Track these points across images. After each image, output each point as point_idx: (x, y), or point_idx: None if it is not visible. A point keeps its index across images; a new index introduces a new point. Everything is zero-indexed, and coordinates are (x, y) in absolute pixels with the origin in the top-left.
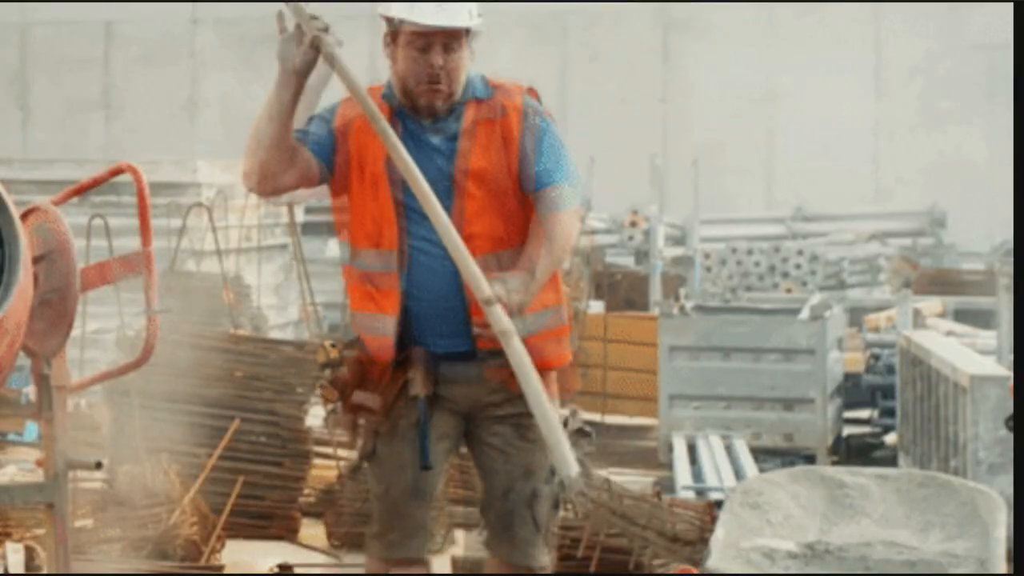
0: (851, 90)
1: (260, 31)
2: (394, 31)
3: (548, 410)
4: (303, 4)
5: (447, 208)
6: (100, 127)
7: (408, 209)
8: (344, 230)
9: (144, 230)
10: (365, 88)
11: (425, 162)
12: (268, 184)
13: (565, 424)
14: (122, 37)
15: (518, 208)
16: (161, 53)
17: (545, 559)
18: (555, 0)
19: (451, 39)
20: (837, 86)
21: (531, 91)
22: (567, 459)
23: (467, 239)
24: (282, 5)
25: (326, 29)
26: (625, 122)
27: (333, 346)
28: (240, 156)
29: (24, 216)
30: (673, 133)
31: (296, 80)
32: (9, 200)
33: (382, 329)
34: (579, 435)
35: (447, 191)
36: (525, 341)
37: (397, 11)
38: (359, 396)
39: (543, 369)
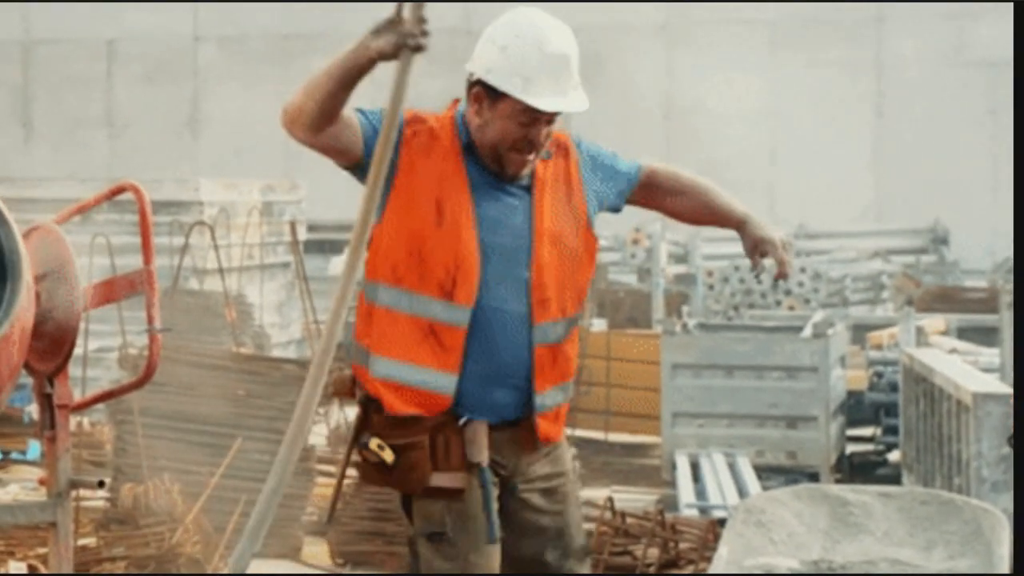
0: (853, 107)
1: (263, 49)
2: (495, 96)
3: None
4: (424, 10)
5: (527, 266)
6: (102, 145)
7: (485, 262)
8: (378, 265)
9: (146, 248)
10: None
11: (510, 211)
12: (297, 131)
13: None
14: (124, 55)
15: (584, 273)
16: (163, 71)
17: None
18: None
19: (553, 118)
20: (839, 103)
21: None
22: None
23: (540, 303)
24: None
25: (419, 48)
26: (627, 139)
27: (381, 448)
28: (241, 176)
29: (27, 235)
30: (676, 150)
31: (369, 60)
32: (11, 218)
33: (440, 387)
34: None
35: (527, 247)
36: (560, 412)
37: (514, 89)
38: (439, 478)
39: (556, 438)
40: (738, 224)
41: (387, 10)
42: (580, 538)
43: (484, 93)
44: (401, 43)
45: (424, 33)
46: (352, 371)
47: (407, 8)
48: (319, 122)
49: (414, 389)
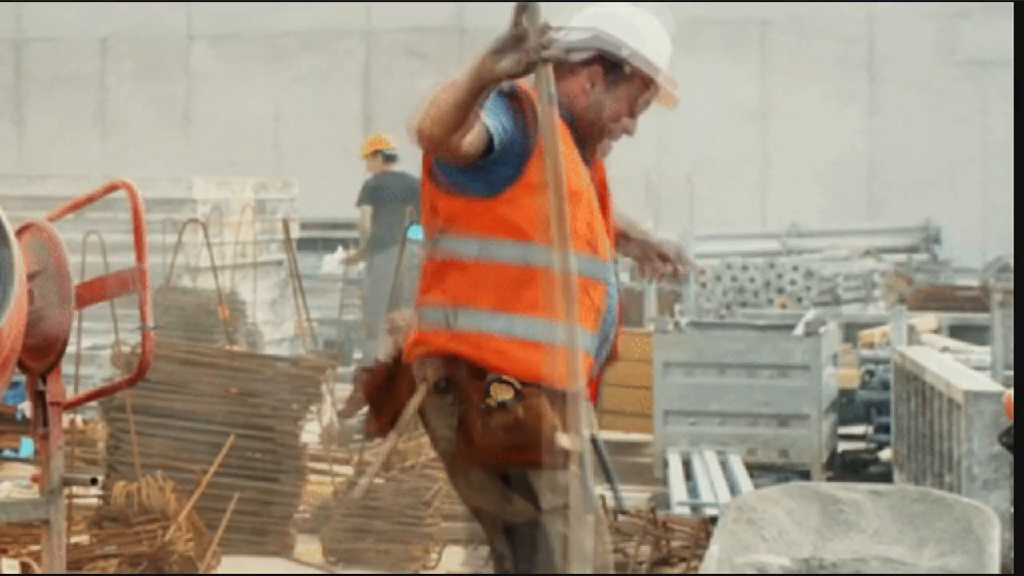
0: (845, 106)
1: (255, 47)
2: (617, 77)
3: None
4: (541, 15)
5: (604, 212)
6: (95, 143)
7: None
8: (507, 220)
9: (139, 246)
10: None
11: (582, 163)
12: (442, 154)
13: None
14: (117, 53)
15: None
16: (156, 69)
17: None
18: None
19: (644, 108)
20: (831, 102)
21: None
22: None
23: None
24: (528, 3)
25: (549, 60)
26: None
27: (504, 384)
28: (234, 174)
29: (19, 232)
30: (668, 149)
31: (493, 83)
32: (4, 216)
33: (585, 345)
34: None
35: (599, 194)
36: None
37: (656, 75)
38: (564, 439)
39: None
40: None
41: (383, 9)
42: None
43: (603, 72)
44: (531, 60)
45: (551, 42)
46: (429, 337)
47: (527, 18)
48: (462, 129)
49: (559, 349)
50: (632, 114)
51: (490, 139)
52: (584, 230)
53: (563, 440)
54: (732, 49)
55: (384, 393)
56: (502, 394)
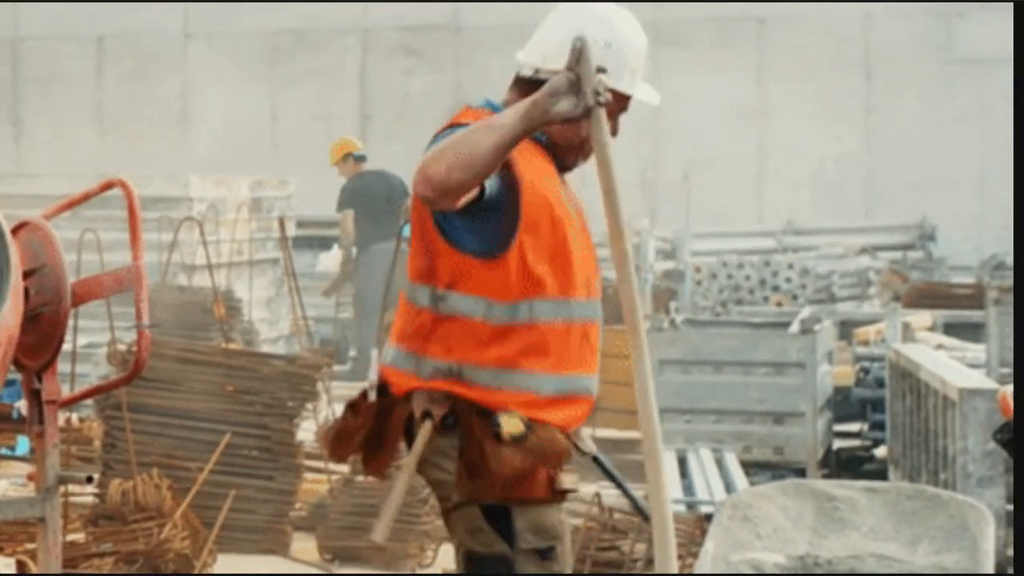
0: (841, 104)
1: (252, 46)
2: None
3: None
4: (594, 61)
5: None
6: (92, 141)
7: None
8: (500, 282)
9: (135, 244)
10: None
11: (568, 198)
12: (446, 202)
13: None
14: (114, 52)
15: None
16: (153, 68)
17: None
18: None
19: (626, 110)
20: (827, 100)
21: None
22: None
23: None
24: (582, 43)
25: (605, 104)
26: (616, 136)
27: (519, 422)
28: (230, 172)
29: (15, 230)
30: (664, 147)
31: (544, 127)
32: (0, 214)
33: (591, 390)
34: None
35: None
36: None
37: (626, 87)
38: (563, 479)
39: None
40: None
41: (379, 7)
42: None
43: None
44: (591, 104)
45: (605, 87)
46: (442, 385)
47: (582, 62)
48: (471, 188)
49: (574, 396)
50: (612, 120)
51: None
52: (580, 273)
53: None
54: (728, 47)
55: (374, 432)
56: (511, 427)
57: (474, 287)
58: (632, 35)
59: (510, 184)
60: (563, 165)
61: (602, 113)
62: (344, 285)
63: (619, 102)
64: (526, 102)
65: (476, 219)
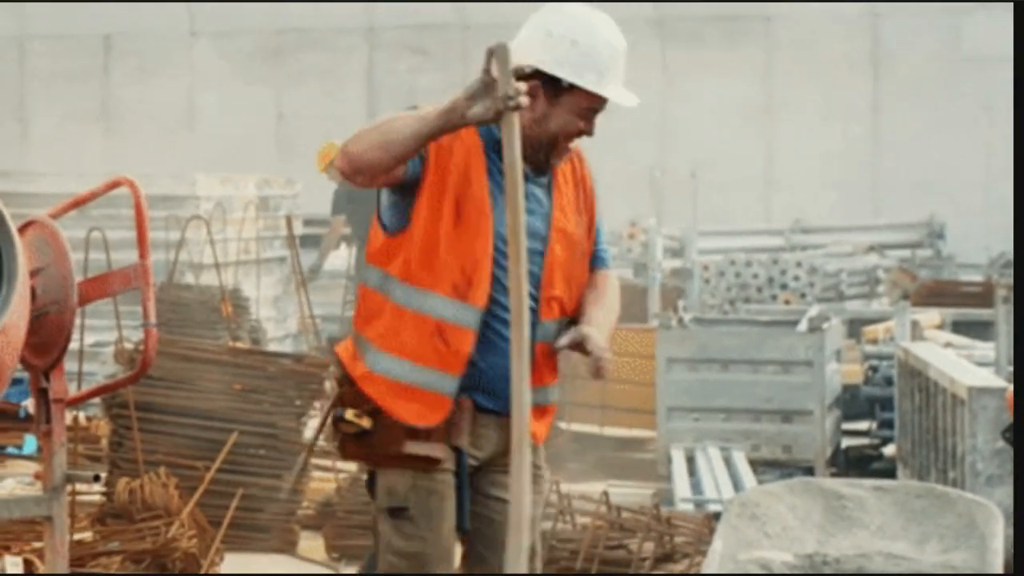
0: (848, 102)
1: (257, 44)
2: (557, 90)
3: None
4: (511, 60)
5: (540, 264)
6: (98, 140)
7: (498, 263)
8: (392, 258)
9: (141, 243)
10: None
11: (530, 209)
12: (361, 179)
13: None
14: (120, 50)
15: (586, 275)
16: (159, 66)
17: None
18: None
19: (601, 109)
20: (834, 98)
21: None
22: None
23: (547, 301)
24: (497, 47)
25: (518, 107)
26: (623, 135)
27: (357, 416)
28: (237, 171)
29: (22, 229)
30: (671, 145)
31: (462, 126)
32: (7, 213)
33: (441, 388)
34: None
35: (542, 245)
36: (548, 410)
37: (588, 83)
38: (415, 447)
39: (543, 436)
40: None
41: (386, 6)
42: (532, 536)
43: (543, 87)
44: (501, 108)
45: (519, 92)
46: (339, 351)
47: (496, 64)
48: (389, 170)
49: (415, 390)
50: (584, 118)
51: (405, 166)
52: (455, 274)
53: (414, 447)
54: (735, 46)
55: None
56: (349, 427)
57: (376, 258)
58: (604, 36)
59: (424, 169)
60: (537, 162)
61: (514, 118)
62: (316, 278)
63: (590, 101)
64: (448, 101)
65: (402, 197)
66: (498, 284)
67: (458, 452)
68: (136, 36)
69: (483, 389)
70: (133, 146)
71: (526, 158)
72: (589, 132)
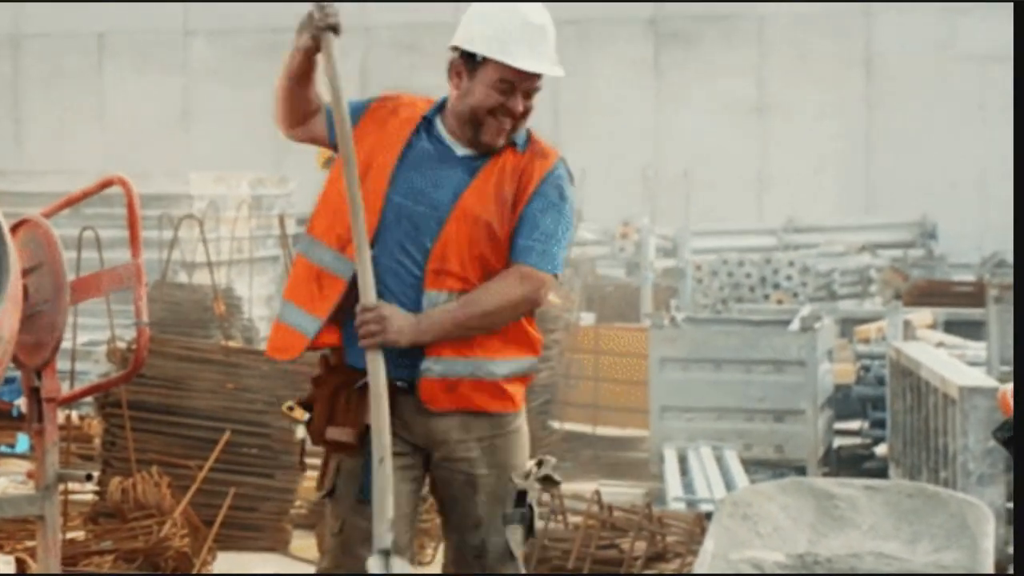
0: (842, 101)
1: (253, 42)
2: (474, 65)
3: (384, 448)
4: None
5: (432, 237)
6: (93, 138)
7: (388, 222)
8: (312, 220)
9: (134, 242)
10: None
11: (439, 184)
12: (281, 129)
13: (528, 474)
14: (115, 49)
15: (498, 264)
16: (154, 64)
17: None
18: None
19: (533, 85)
20: (828, 97)
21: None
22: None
23: (436, 273)
24: None
25: (332, 28)
26: (616, 134)
27: (291, 408)
28: (230, 170)
29: (14, 228)
30: (664, 145)
31: (301, 54)
32: None
33: (304, 328)
34: (547, 482)
35: (439, 220)
36: (460, 382)
37: (492, 51)
38: (333, 432)
39: (454, 407)
40: None
41: (380, 5)
42: (497, 539)
43: (463, 64)
44: (317, 33)
45: (329, 14)
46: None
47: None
48: (290, 119)
49: (284, 327)
50: (503, 92)
51: (326, 129)
52: (341, 227)
53: (331, 433)
54: (729, 45)
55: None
56: (296, 414)
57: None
58: (514, 12)
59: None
60: (466, 138)
61: (329, 38)
62: None
63: (503, 72)
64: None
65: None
66: (385, 246)
67: (368, 429)
68: (131, 34)
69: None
70: (127, 145)
71: (455, 134)
72: (512, 108)
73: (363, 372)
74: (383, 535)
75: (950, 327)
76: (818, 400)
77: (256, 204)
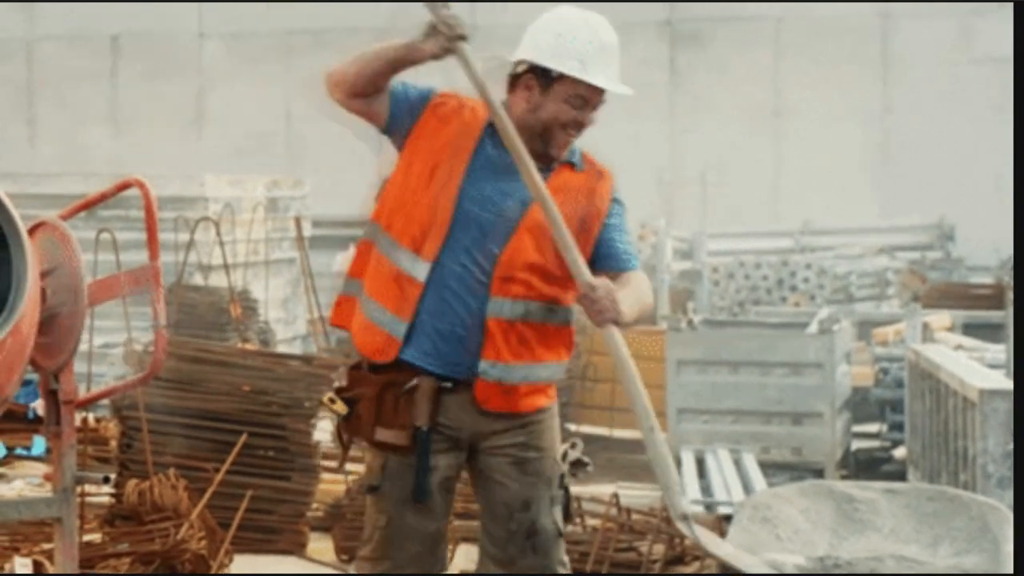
0: (859, 103)
1: (267, 45)
2: (548, 80)
3: (651, 417)
4: (446, 8)
5: (501, 245)
6: (107, 141)
7: (457, 227)
8: (380, 208)
9: (151, 244)
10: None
11: (507, 193)
12: (338, 93)
13: (564, 456)
14: (129, 51)
15: (564, 276)
16: (168, 67)
17: None
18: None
19: (600, 100)
20: (844, 99)
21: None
22: (672, 485)
23: (503, 280)
24: (425, 4)
25: (463, 38)
26: (633, 137)
27: (332, 401)
28: (246, 172)
29: (32, 231)
30: (681, 147)
31: (422, 55)
32: (16, 215)
33: (393, 330)
34: (578, 465)
35: (508, 229)
36: (517, 388)
37: (572, 70)
38: (383, 434)
39: (507, 410)
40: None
41: (394, 7)
42: (547, 519)
43: (535, 78)
44: (447, 45)
45: (459, 25)
46: (337, 302)
47: (433, 12)
48: (362, 90)
49: (375, 328)
50: (575, 107)
51: (387, 114)
52: (415, 229)
53: (381, 435)
54: (745, 47)
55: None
56: (337, 407)
57: (374, 213)
58: (588, 29)
59: (410, 124)
60: (535, 151)
61: (466, 48)
62: None
63: (577, 88)
64: (407, 39)
65: (392, 144)
66: (453, 250)
67: (419, 431)
68: (145, 37)
69: (438, 355)
70: (142, 147)
71: (532, 147)
72: (584, 122)
73: (414, 370)
74: (678, 503)
75: (968, 329)
76: (836, 403)
77: (271, 206)
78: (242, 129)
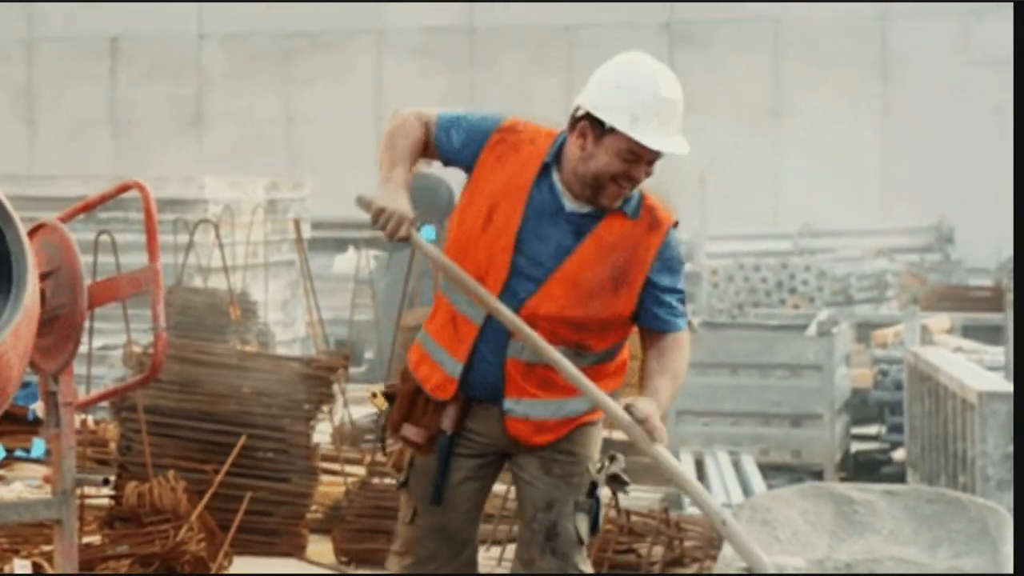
0: (858, 104)
1: (266, 47)
2: (601, 131)
3: (722, 511)
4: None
5: (529, 291)
6: (106, 143)
7: (513, 276)
8: (448, 248)
9: (151, 246)
10: (454, 267)
11: (543, 238)
12: None
13: (601, 468)
14: (128, 53)
15: (599, 327)
16: (167, 69)
17: None
18: (559, 13)
19: (655, 156)
20: (844, 101)
21: (675, 223)
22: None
23: (528, 321)
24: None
25: (405, 239)
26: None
27: (375, 396)
28: (245, 174)
29: (31, 233)
30: None
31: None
32: (16, 217)
33: (451, 370)
34: (614, 481)
35: (541, 277)
36: (546, 423)
37: (623, 125)
38: (407, 430)
39: (539, 443)
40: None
41: (394, 9)
42: (569, 523)
43: (590, 127)
44: (388, 240)
45: (392, 233)
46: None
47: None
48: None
49: (436, 366)
50: (626, 161)
51: (437, 153)
52: (471, 271)
53: (406, 431)
54: (744, 48)
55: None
56: (376, 403)
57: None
58: (650, 84)
59: (469, 162)
60: (584, 198)
61: (413, 237)
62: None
63: (628, 144)
64: (390, 182)
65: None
66: (508, 294)
67: (441, 434)
68: (144, 39)
69: (475, 388)
70: (142, 149)
71: (573, 192)
72: (635, 176)
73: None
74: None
75: (968, 331)
76: (835, 405)
77: (271, 208)
78: (241, 131)
